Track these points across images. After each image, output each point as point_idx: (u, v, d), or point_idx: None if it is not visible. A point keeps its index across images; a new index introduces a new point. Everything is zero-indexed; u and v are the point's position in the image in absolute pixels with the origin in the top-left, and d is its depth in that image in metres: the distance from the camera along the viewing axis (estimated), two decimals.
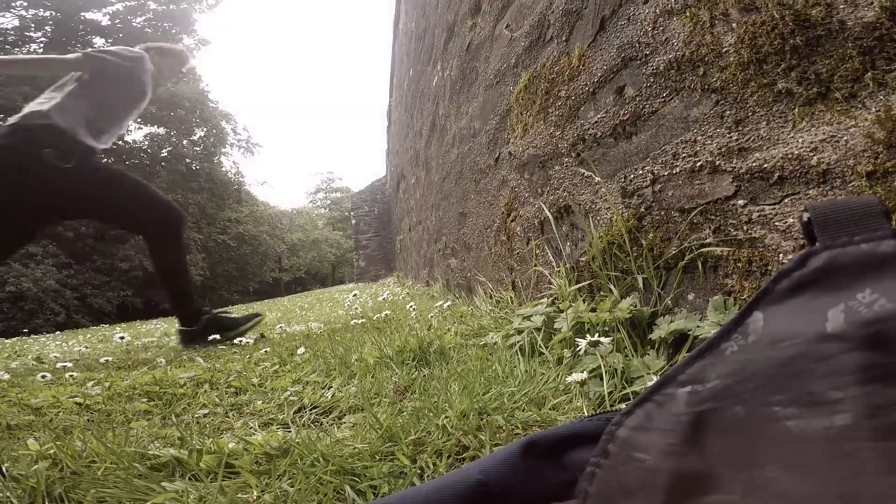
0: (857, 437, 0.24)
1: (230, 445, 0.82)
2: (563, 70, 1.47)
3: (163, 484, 0.74)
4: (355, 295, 3.73)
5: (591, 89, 1.29)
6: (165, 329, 5.35)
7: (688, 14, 0.92)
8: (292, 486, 0.66)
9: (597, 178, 1.24)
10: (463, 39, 2.74)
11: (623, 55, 1.13)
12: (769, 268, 0.74)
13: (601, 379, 0.82)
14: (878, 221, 0.28)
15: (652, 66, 1.02)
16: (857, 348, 0.26)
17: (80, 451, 0.89)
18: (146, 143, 23.30)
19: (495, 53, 2.13)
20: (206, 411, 1.30)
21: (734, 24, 0.81)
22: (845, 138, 0.61)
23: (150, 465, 0.82)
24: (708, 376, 0.29)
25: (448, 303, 2.27)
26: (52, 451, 0.89)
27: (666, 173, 0.98)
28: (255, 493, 0.66)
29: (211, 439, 0.87)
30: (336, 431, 0.91)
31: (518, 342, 1.22)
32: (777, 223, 0.72)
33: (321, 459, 0.71)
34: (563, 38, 1.47)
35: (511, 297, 1.84)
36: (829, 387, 0.26)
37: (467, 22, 2.65)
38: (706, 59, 0.87)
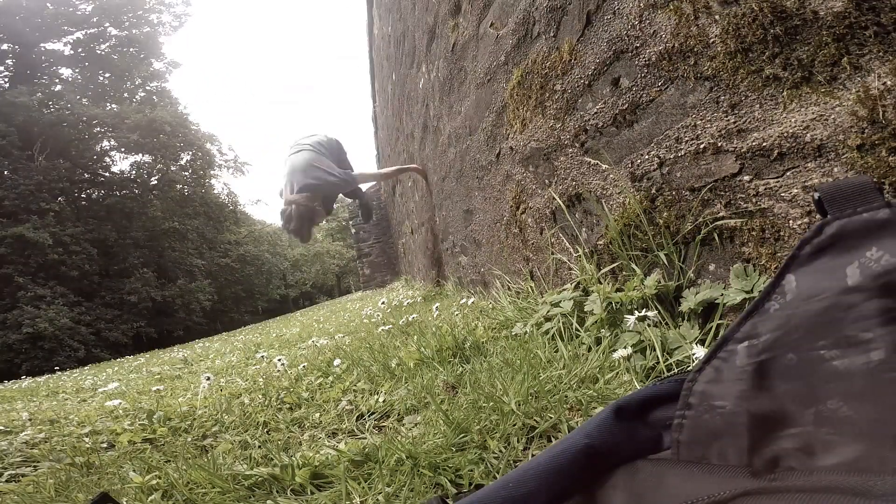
0: (893, 368, 0.30)
1: (316, 457, 0.91)
2: (555, 65, 1.54)
3: (268, 503, 0.82)
4: (384, 302, 3.87)
5: (586, 82, 1.37)
6: (187, 355, 5.47)
7: (671, 7, 1.00)
8: (389, 487, 0.74)
9: (604, 166, 1.32)
10: (447, 40, 2.79)
11: (614, 48, 1.21)
12: (781, 234, 0.82)
13: (643, 354, 0.91)
14: (873, 195, 0.35)
15: (644, 57, 1.10)
16: (876, 296, 0.32)
17: (176, 480, 0.98)
18: (133, 172, 23.20)
19: (482, 52, 2.19)
20: (266, 429, 1.40)
21: (717, 17, 0.88)
22: (832, 116, 0.69)
23: (247, 486, 0.91)
24: (760, 332, 0.36)
25: (472, 299, 2.35)
26: (152, 483, 0.98)
27: (671, 156, 1.06)
28: (357, 500, 0.74)
29: (299, 453, 0.96)
30: (405, 432, 1.00)
31: (551, 328, 1.30)
32: (783, 194, 0.80)
33: (405, 458, 0.80)
34: (551, 34, 1.54)
35: (531, 287, 1.92)
36: (859, 329, 0.32)
37: (449, 22, 2.71)
38: (695, 49, 0.94)
